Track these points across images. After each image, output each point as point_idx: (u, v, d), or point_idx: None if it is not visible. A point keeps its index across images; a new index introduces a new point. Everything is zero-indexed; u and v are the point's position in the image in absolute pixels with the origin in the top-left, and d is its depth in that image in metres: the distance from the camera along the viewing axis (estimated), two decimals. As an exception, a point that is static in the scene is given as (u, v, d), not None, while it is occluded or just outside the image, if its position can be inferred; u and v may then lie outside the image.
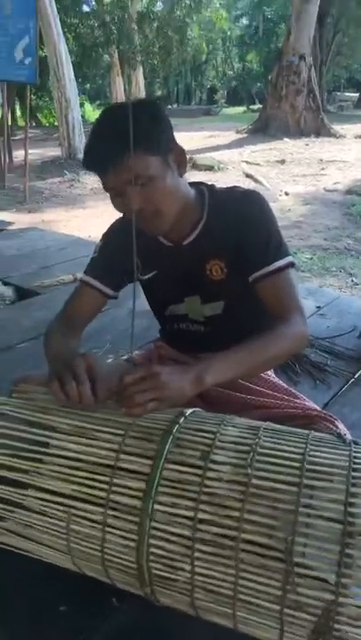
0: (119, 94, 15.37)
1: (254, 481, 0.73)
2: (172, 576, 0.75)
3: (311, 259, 4.48)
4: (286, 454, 0.76)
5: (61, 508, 0.81)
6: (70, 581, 0.97)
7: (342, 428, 1.07)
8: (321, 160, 9.10)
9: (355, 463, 0.74)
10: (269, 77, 14.06)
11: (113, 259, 1.23)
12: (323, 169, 8.41)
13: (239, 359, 0.95)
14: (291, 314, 1.05)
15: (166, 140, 1.02)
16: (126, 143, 0.92)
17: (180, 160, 1.06)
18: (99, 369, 0.90)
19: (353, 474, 0.72)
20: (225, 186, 1.22)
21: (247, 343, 0.98)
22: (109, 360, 2.13)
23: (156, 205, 1.02)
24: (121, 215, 1.28)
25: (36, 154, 10.31)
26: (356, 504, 0.68)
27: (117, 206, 1.06)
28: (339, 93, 25.56)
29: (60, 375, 0.88)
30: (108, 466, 0.80)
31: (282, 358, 1.11)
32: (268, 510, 0.70)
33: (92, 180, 8.04)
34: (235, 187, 1.20)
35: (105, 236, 1.27)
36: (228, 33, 25.36)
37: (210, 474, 0.75)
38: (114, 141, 0.94)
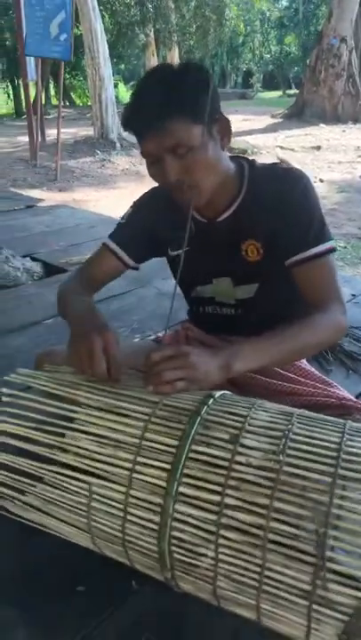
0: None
1: (286, 468, 0.68)
2: (195, 562, 0.72)
3: (345, 247, 4.36)
4: (321, 442, 0.72)
5: (84, 485, 0.78)
6: (89, 562, 0.95)
7: (379, 419, 1.02)
8: (358, 147, 8.84)
9: (394, 456, 0.69)
10: (308, 61, 13.68)
11: (140, 229, 1.18)
12: (359, 156, 8.17)
13: (270, 347, 0.90)
14: (329, 302, 0.99)
15: (213, 108, 0.95)
16: (172, 107, 0.88)
17: (225, 131, 1.00)
18: (116, 347, 0.87)
19: (393, 467, 0.67)
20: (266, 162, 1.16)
21: (280, 330, 0.93)
22: (136, 339, 2.11)
23: (195, 178, 0.96)
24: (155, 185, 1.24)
25: (69, 133, 10.30)
26: (396, 499, 0.63)
27: (153, 174, 1.00)
28: (379, 79, 24.73)
29: (77, 352, 0.86)
30: (132, 444, 0.77)
31: (316, 348, 1.05)
32: (300, 500, 0.66)
33: (123, 161, 8.01)
34: (277, 163, 1.14)
35: (136, 204, 1.22)
36: (267, 14, 24.73)
37: (239, 458, 0.70)
38: (158, 103, 0.89)
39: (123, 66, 23.46)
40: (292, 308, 1.03)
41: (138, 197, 1.23)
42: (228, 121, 1.00)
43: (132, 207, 1.22)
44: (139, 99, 0.95)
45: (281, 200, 1.04)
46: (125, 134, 9.21)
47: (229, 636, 0.92)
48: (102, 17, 9.24)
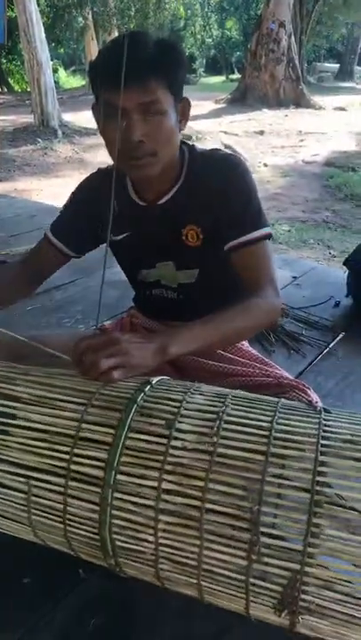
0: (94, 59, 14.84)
1: (220, 449, 0.70)
2: (137, 547, 0.72)
3: (289, 231, 4.46)
4: (254, 422, 0.73)
5: (22, 479, 0.77)
6: (34, 553, 0.94)
7: (314, 396, 1.05)
8: (300, 131, 9.02)
9: (324, 431, 0.72)
10: (249, 46, 13.74)
11: (78, 218, 1.17)
12: (302, 140, 8.34)
13: (207, 330, 0.92)
14: (264, 286, 1.02)
15: (182, 85, 0.98)
16: (155, 67, 0.89)
17: (185, 113, 1.02)
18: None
19: (322, 442, 0.70)
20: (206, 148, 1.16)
21: (216, 314, 0.94)
22: (81, 329, 2.09)
23: (156, 143, 0.96)
24: (91, 173, 1.21)
25: (8, 120, 9.96)
26: (325, 473, 0.66)
27: (112, 132, 0.94)
28: (319, 64, 25.11)
29: None
30: (69, 436, 0.76)
31: (252, 331, 1.08)
32: (235, 480, 0.68)
33: (65, 149, 7.82)
34: (216, 149, 1.14)
35: (73, 192, 1.20)
36: (207, -2, 24.63)
37: (174, 442, 0.71)
38: (142, 59, 0.88)
39: (62, 50, 22.76)
40: (234, 294, 1.04)
41: (75, 188, 1.21)
42: (189, 103, 1.02)
43: (70, 197, 1.20)
44: (117, 52, 0.88)
45: (219, 186, 1.05)
46: (67, 121, 9.01)
47: (176, 617, 0.94)
48: (37, -1, 8.93)
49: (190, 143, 1.14)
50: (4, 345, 1.09)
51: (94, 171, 1.22)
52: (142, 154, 0.96)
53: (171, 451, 0.70)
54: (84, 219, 1.17)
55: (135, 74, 0.87)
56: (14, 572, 1.02)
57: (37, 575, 1.01)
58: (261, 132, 8.94)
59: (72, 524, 0.75)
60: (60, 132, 8.46)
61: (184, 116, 1.02)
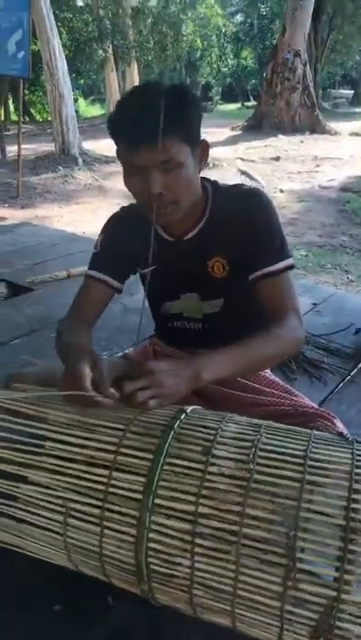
0: (113, 90, 15.28)
1: (256, 476, 0.72)
2: (171, 572, 0.74)
3: (306, 256, 4.49)
4: (288, 450, 0.76)
5: (59, 502, 0.80)
6: (65, 581, 0.96)
7: (340, 425, 1.07)
8: (316, 157, 9.11)
9: (358, 461, 0.74)
10: (264, 74, 14.03)
11: (115, 250, 1.21)
12: (317, 166, 8.41)
13: (235, 358, 0.95)
14: (287, 316, 1.05)
15: (198, 131, 1.02)
16: (168, 124, 0.92)
17: (204, 154, 1.06)
18: (103, 370, 0.86)
19: (356, 470, 0.72)
20: (228, 183, 1.21)
21: (243, 342, 0.97)
22: (104, 356, 2.12)
23: (176, 193, 1.00)
24: (118, 209, 1.27)
25: (30, 149, 10.24)
26: (359, 500, 0.68)
27: (132, 186, 1.02)
28: (334, 90, 25.52)
29: (65, 378, 0.86)
30: (107, 460, 0.79)
31: (276, 360, 1.10)
32: (270, 505, 0.69)
33: (85, 176, 8.01)
34: (239, 184, 1.19)
35: (104, 229, 1.25)
36: (223, 29, 25.23)
37: (211, 468, 0.74)
38: (155, 118, 0.92)
39: (82, 81, 23.47)
40: (258, 323, 1.08)
41: (104, 224, 1.25)
42: (207, 145, 1.06)
43: (101, 234, 1.24)
44: (134, 109, 0.96)
45: (245, 218, 1.09)
46: (87, 149, 9.25)
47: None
48: (60, 33, 9.28)
49: (213, 179, 1.19)
50: (33, 373, 1.13)
51: (117, 199, 1.27)
52: (163, 205, 1.01)
53: (208, 476, 0.73)
54: (118, 250, 1.21)
55: (149, 134, 0.93)
56: (45, 599, 1.03)
57: (67, 603, 1.02)
58: (277, 158, 9.05)
59: (108, 547, 0.77)
60: (80, 160, 8.68)
61: (203, 157, 1.06)
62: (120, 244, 1.20)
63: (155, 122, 0.92)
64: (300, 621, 0.68)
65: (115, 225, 1.23)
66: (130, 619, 0.99)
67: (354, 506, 0.67)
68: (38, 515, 0.82)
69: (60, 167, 8.30)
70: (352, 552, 0.64)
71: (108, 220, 1.25)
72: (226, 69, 27.67)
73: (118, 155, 1.02)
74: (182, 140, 0.97)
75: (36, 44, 8.96)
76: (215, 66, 26.64)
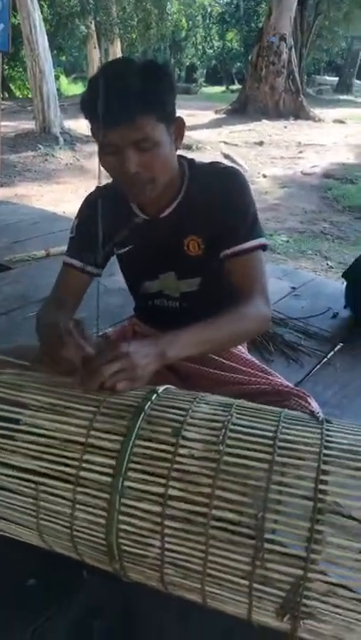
0: (96, 68, 14.92)
1: (226, 458, 0.72)
2: (142, 552, 0.74)
3: (287, 241, 4.50)
4: (258, 431, 0.76)
5: (31, 485, 0.79)
6: (39, 555, 0.96)
7: (314, 404, 1.08)
8: (299, 143, 9.10)
9: (327, 441, 0.74)
10: (249, 57, 13.88)
11: (91, 234, 1.19)
12: (301, 152, 8.41)
13: (201, 336, 0.96)
14: (255, 295, 1.06)
15: (173, 108, 1.00)
16: (142, 103, 0.91)
17: (179, 132, 1.04)
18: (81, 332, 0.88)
19: (324, 451, 0.72)
20: (204, 161, 1.20)
21: (210, 321, 0.98)
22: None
23: (153, 172, 0.99)
24: (92, 190, 1.24)
25: (10, 126, 9.98)
26: (327, 481, 0.68)
27: (108, 165, 1.00)
28: (318, 77, 25.37)
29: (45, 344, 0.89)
30: (78, 442, 0.78)
31: (243, 338, 1.12)
32: (240, 487, 0.70)
33: (66, 155, 7.87)
34: (215, 162, 1.18)
35: (79, 213, 1.23)
36: (209, 10, 24.88)
37: (181, 450, 0.73)
38: (129, 97, 0.90)
39: (64, 57, 22.90)
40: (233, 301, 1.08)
41: (79, 208, 1.24)
42: (183, 122, 1.04)
43: (76, 218, 1.23)
44: (106, 89, 0.93)
45: (219, 197, 1.09)
46: (68, 128, 9.07)
47: (176, 621, 0.95)
48: (41, 7, 9.02)
49: (189, 157, 1.18)
50: (10, 351, 1.11)
51: (96, 180, 1.25)
52: (140, 183, 1.00)
53: (178, 458, 0.73)
54: (94, 236, 1.19)
55: (123, 113, 0.91)
56: (19, 574, 1.03)
57: (42, 577, 1.02)
58: (261, 143, 9.02)
59: (79, 528, 0.77)
60: (61, 139, 8.52)
61: (179, 135, 1.05)
62: (95, 227, 1.18)
63: (127, 100, 0.90)
64: (268, 598, 0.69)
65: (89, 207, 1.22)
66: (106, 592, 1.00)
67: (321, 487, 0.67)
68: (10, 498, 0.81)
69: (41, 146, 8.14)
70: (319, 532, 0.65)
71: (83, 203, 1.24)
72: (211, 51, 27.28)
73: (93, 134, 1.01)
74: (156, 118, 0.95)
75: (15, 16, 8.70)
76: (200, 47, 26.28)
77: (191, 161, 1.16)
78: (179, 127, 1.04)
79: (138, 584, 0.83)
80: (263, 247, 1.11)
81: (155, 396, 0.83)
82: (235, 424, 0.77)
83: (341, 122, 11.82)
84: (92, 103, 0.95)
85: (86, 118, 1.00)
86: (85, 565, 0.89)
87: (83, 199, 1.25)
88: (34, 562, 1.02)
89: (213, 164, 1.17)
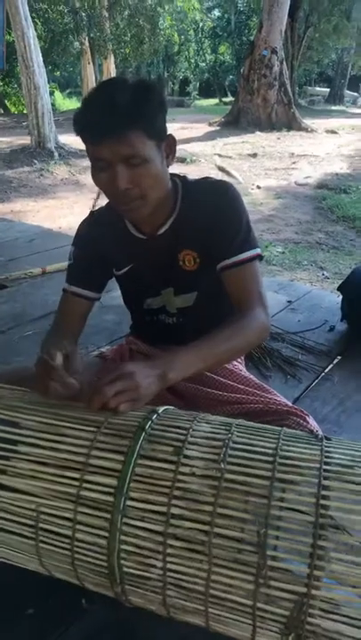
0: (90, 83, 15.07)
1: (227, 475, 0.72)
2: (144, 573, 0.74)
3: (283, 252, 4.52)
4: (259, 449, 0.76)
5: (30, 506, 0.79)
6: (38, 584, 0.96)
7: (313, 423, 1.08)
8: (292, 154, 9.17)
9: (326, 457, 0.75)
10: (241, 70, 14.05)
11: (88, 261, 1.21)
12: (294, 163, 8.48)
13: (202, 353, 0.95)
14: (253, 305, 1.06)
15: (164, 126, 1.01)
16: (132, 119, 0.92)
17: (171, 150, 1.05)
18: (75, 361, 0.90)
19: (325, 467, 0.73)
20: (196, 177, 1.21)
21: (210, 336, 0.98)
22: (80, 354, 2.11)
23: (144, 189, 1.00)
24: (87, 215, 1.26)
25: (5, 142, 10.07)
26: (328, 497, 0.69)
27: (100, 181, 1.01)
28: (310, 88, 25.72)
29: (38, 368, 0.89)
30: (79, 462, 0.78)
31: (244, 351, 1.12)
32: (241, 504, 0.70)
33: (62, 170, 7.91)
34: (206, 177, 1.20)
35: (76, 239, 1.25)
36: (201, 24, 25.21)
37: (183, 469, 0.74)
38: (119, 113, 0.92)
39: (58, 73, 23.14)
40: (230, 315, 1.08)
41: (75, 235, 1.25)
42: (174, 140, 1.05)
43: (73, 244, 1.24)
44: (97, 105, 0.96)
45: (213, 209, 1.11)
46: (63, 143, 9.13)
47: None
48: (35, 24, 9.11)
49: (182, 174, 1.20)
50: (5, 373, 1.12)
51: (93, 195, 1.27)
52: (130, 200, 1.01)
53: (179, 477, 0.73)
54: (92, 260, 1.21)
55: (112, 129, 0.93)
56: (17, 603, 1.02)
57: (40, 606, 1.01)
58: (255, 155, 9.09)
59: (80, 550, 0.77)
60: (56, 154, 8.56)
61: (171, 151, 1.06)
62: (92, 253, 1.20)
63: (116, 116, 0.92)
64: (271, 618, 0.69)
65: (85, 233, 1.23)
66: (104, 621, 0.99)
67: (323, 502, 0.68)
68: (10, 520, 0.81)
69: (36, 161, 8.18)
70: (321, 548, 0.65)
71: (78, 229, 1.25)
72: (203, 64, 27.62)
73: (87, 151, 1.02)
74: (146, 135, 0.96)
75: (10, 34, 8.80)
76: (193, 61, 26.61)
77: (184, 178, 1.18)
78: (170, 145, 1.05)
79: (140, 609, 0.83)
80: (258, 257, 1.12)
81: (155, 415, 0.84)
82: (235, 442, 0.77)
83: (334, 132, 11.95)
84: (84, 119, 0.97)
85: (78, 135, 1.01)
86: (84, 593, 0.88)
87: (79, 214, 1.27)
88: (32, 591, 1.02)
89: (205, 179, 1.18)
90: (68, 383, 0.87)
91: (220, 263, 1.11)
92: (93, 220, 1.23)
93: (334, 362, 2.00)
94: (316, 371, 1.96)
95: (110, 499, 0.74)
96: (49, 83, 9.55)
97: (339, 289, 2.34)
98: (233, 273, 1.10)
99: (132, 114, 0.93)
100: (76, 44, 14.19)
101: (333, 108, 20.03)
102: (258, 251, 1.12)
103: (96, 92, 0.98)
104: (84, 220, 1.25)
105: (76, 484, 0.77)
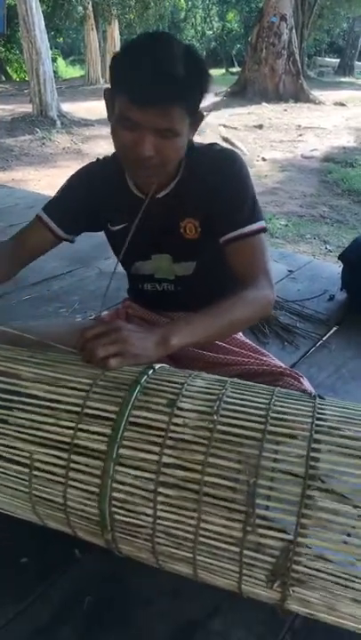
0: (93, 50, 14.75)
1: (220, 427, 0.73)
2: (135, 521, 0.75)
3: (286, 225, 4.48)
4: (252, 403, 0.77)
5: (25, 453, 0.80)
6: (33, 535, 0.98)
7: (307, 384, 1.09)
8: (299, 126, 9.01)
9: (319, 413, 0.76)
10: (249, 38, 13.68)
11: (75, 201, 1.18)
12: (300, 135, 8.34)
13: (205, 322, 0.94)
14: (258, 278, 1.04)
15: (200, 103, 0.98)
16: (179, 95, 0.88)
17: (198, 125, 1.02)
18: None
19: (317, 422, 0.73)
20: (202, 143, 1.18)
21: (214, 307, 0.96)
22: (78, 319, 2.11)
23: (165, 159, 0.97)
24: (90, 162, 1.23)
25: (6, 109, 9.91)
26: (319, 449, 0.69)
27: (120, 138, 0.96)
28: (319, 58, 25.06)
29: None
30: (74, 412, 0.79)
31: (247, 323, 1.10)
32: (233, 455, 0.71)
33: (64, 139, 7.80)
34: (214, 143, 1.16)
35: (71, 178, 1.21)
36: (209, -11, 24.48)
37: (176, 420, 0.74)
38: (168, 85, 0.87)
39: (61, 39, 22.57)
40: (229, 286, 1.07)
41: (72, 174, 1.22)
42: (202, 117, 1.02)
43: (67, 181, 1.21)
44: (148, 68, 0.87)
45: (218, 179, 1.08)
46: (65, 111, 8.97)
47: (169, 596, 0.97)
48: (37, -13, 8.84)
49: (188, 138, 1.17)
50: (3, 335, 1.12)
51: (93, 160, 1.24)
52: (150, 166, 0.97)
53: (172, 427, 0.74)
54: (80, 202, 1.18)
55: (158, 99, 0.88)
56: (12, 552, 1.05)
57: (34, 555, 1.04)
58: (260, 126, 8.94)
59: (73, 497, 0.78)
60: (58, 123, 8.43)
61: (196, 126, 1.02)
62: (85, 198, 1.17)
63: (167, 89, 0.87)
64: (258, 565, 0.70)
65: (83, 176, 1.20)
66: (97, 570, 1.01)
67: (313, 454, 0.69)
68: (3, 468, 0.82)
69: (38, 129, 8.06)
70: (310, 497, 0.66)
71: (78, 171, 1.21)
72: (210, 32, 26.88)
73: (111, 98, 0.96)
74: (186, 112, 0.93)
75: (11, -3, 8.57)
76: (199, 28, 25.89)
77: (190, 142, 1.15)
78: (199, 120, 1.02)
79: (130, 560, 0.84)
80: (263, 230, 1.10)
81: (151, 370, 0.84)
82: (229, 396, 0.78)
83: (342, 104, 11.69)
84: (129, 76, 0.89)
85: (112, 82, 0.94)
86: (78, 544, 0.90)
87: None
88: (26, 541, 1.04)
89: (211, 146, 1.14)
90: None
91: (224, 235, 1.08)
92: (95, 168, 1.20)
93: (332, 330, 2.01)
94: (314, 338, 1.96)
95: (103, 447, 0.75)
96: (51, 49, 9.35)
97: (339, 258, 2.33)
98: (238, 245, 1.08)
99: (183, 90, 0.88)
100: (80, 8, 13.81)
101: (343, 79, 19.54)
102: (263, 223, 1.09)
103: (149, 45, 0.91)
104: (87, 165, 1.21)
105: (70, 432, 0.78)
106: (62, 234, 1.20)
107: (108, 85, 0.98)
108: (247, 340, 1.29)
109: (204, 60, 0.95)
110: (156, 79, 0.86)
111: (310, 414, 0.75)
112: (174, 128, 0.93)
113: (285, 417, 0.75)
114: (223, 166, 1.09)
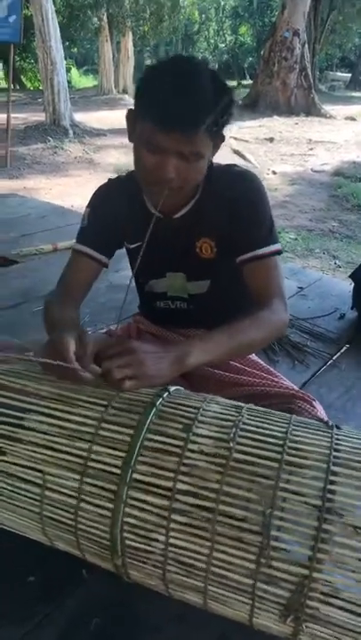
0: (107, 60, 14.90)
1: (235, 455, 0.72)
2: (146, 547, 0.74)
3: (296, 239, 4.48)
4: (269, 432, 0.76)
5: (37, 474, 0.80)
6: (40, 553, 0.97)
7: (319, 408, 1.08)
8: (310, 140, 9.04)
9: (336, 444, 0.75)
10: (262, 52, 13.78)
11: (102, 223, 1.19)
12: (311, 149, 8.36)
13: (221, 343, 0.94)
14: (273, 300, 1.05)
15: (224, 127, 0.98)
16: (205, 121, 0.89)
17: (219, 146, 1.03)
18: (88, 344, 0.85)
19: (334, 453, 0.72)
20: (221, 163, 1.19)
21: (229, 326, 0.96)
22: (88, 331, 2.11)
23: (186, 182, 0.98)
24: (105, 181, 1.24)
25: (20, 118, 9.98)
26: (336, 482, 0.68)
27: (143, 160, 0.96)
28: (331, 73, 25.21)
29: (47, 350, 0.84)
30: (88, 433, 0.79)
31: (262, 344, 1.10)
32: (248, 484, 0.70)
33: (76, 148, 7.86)
34: (232, 165, 1.16)
35: (92, 201, 1.22)
36: (222, 3, 24.71)
37: (191, 446, 0.74)
38: (196, 112, 0.88)
39: (75, 49, 22.87)
40: (243, 305, 1.07)
41: (91, 198, 1.23)
42: (224, 138, 1.03)
43: (88, 207, 1.22)
44: (176, 93, 0.88)
45: (235, 201, 1.08)
46: (78, 121, 9.05)
47: (176, 622, 0.95)
48: (53, -2, 8.97)
49: None
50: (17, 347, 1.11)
51: (106, 173, 1.24)
52: (170, 187, 0.98)
53: (187, 453, 0.73)
54: (106, 225, 1.19)
55: (186, 125, 0.88)
56: (20, 571, 1.04)
57: (42, 575, 1.03)
58: (271, 140, 8.97)
59: (84, 520, 0.78)
60: (70, 132, 8.50)
61: (217, 147, 1.03)
62: (107, 217, 1.18)
63: (194, 115, 0.88)
64: (271, 599, 0.69)
65: (102, 197, 1.21)
66: (104, 592, 1.00)
67: (330, 487, 0.67)
68: (16, 487, 0.82)
69: (50, 138, 8.12)
70: (326, 532, 0.65)
71: (95, 193, 1.22)
72: (223, 45, 27.11)
73: (134, 119, 0.97)
74: (210, 137, 0.94)
75: (28, 8, 8.68)
76: (212, 41, 26.14)
77: (209, 162, 1.15)
78: (220, 142, 1.02)
79: (138, 585, 0.83)
80: (279, 252, 1.11)
81: (166, 393, 0.84)
82: (245, 424, 0.77)
83: (353, 119, 11.72)
84: (157, 100, 0.90)
85: (137, 102, 0.95)
86: (85, 564, 0.89)
87: (92, 193, 1.24)
88: (34, 560, 1.03)
89: (230, 167, 1.14)
90: (83, 377, 0.81)
91: (240, 256, 1.09)
92: (112, 187, 1.21)
93: (343, 349, 1.99)
94: (324, 357, 1.95)
95: (117, 471, 0.74)
96: (66, 59, 9.43)
97: (351, 277, 2.32)
98: (255, 266, 1.09)
99: (208, 116, 0.89)
100: (95, 19, 13.99)
101: (354, 94, 19.61)
102: (279, 246, 1.11)
103: (173, 73, 0.91)
104: (103, 185, 1.22)
105: (84, 454, 0.77)
106: (103, 259, 1.20)
107: (128, 98, 0.98)
108: (259, 360, 1.28)
109: (228, 86, 0.95)
110: (182, 105, 0.87)
111: (328, 445, 0.75)
112: (199, 152, 0.93)
113: (303, 447, 0.74)
114: (242, 188, 1.09)
